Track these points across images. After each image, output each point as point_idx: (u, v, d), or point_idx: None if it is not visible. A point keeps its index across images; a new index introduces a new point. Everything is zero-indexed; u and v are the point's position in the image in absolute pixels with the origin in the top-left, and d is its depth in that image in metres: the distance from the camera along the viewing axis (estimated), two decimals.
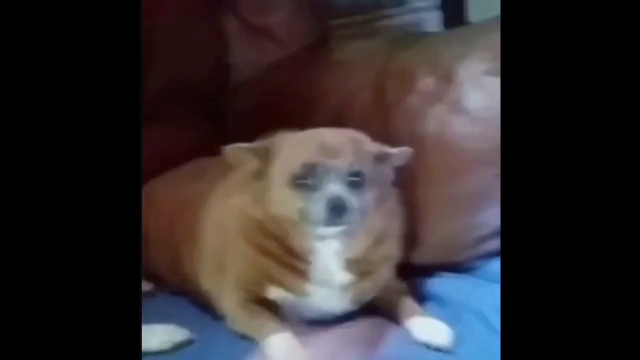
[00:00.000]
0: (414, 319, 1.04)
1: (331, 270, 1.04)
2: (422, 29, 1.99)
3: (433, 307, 1.10)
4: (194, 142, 1.53)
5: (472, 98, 1.16)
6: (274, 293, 1.06)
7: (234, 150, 1.04)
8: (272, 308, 1.06)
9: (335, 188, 0.96)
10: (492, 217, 1.15)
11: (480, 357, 0.96)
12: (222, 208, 1.13)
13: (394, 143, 1.06)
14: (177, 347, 1.01)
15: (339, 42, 1.62)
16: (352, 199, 0.95)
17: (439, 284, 1.16)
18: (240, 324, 1.06)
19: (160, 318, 1.04)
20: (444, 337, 0.99)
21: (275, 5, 1.66)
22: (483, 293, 1.09)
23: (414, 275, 1.17)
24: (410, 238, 1.15)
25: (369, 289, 1.09)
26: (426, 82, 1.20)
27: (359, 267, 1.05)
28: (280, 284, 1.05)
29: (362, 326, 1.07)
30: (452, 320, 1.04)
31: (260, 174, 1.04)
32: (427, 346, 0.99)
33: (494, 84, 1.15)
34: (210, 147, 1.17)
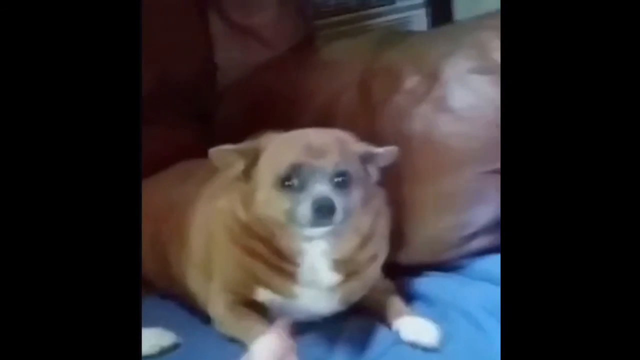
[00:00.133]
0: (402, 319, 1.04)
1: (319, 271, 1.04)
2: (408, 28, 2.00)
3: (420, 306, 1.10)
4: (182, 143, 1.53)
5: (458, 96, 1.16)
6: (262, 295, 1.06)
7: (220, 152, 1.03)
8: (260, 310, 1.06)
9: (321, 188, 0.96)
10: (478, 215, 1.16)
11: (467, 355, 0.97)
12: (208, 210, 1.13)
13: (379, 143, 1.06)
14: (165, 352, 1.01)
15: (324, 42, 1.62)
16: (338, 199, 0.95)
17: (425, 283, 1.16)
18: (228, 327, 1.06)
19: (147, 322, 1.03)
20: (431, 336, 1.00)
21: (260, 5, 1.65)
22: (469, 291, 1.10)
23: (400, 274, 1.17)
24: (397, 237, 1.15)
25: (357, 289, 1.09)
26: (412, 81, 1.21)
27: (346, 267, 1.05)
28: (267, 286, 1.05)
29: (350, 327, 1.07)
30: (439, 318, 1.04)
31: (246, 176, 1.03)
32: (415, 346, 0.99)
33: (480, 82, 1.16)
34: (197, 148, 1.16)
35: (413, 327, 1.02)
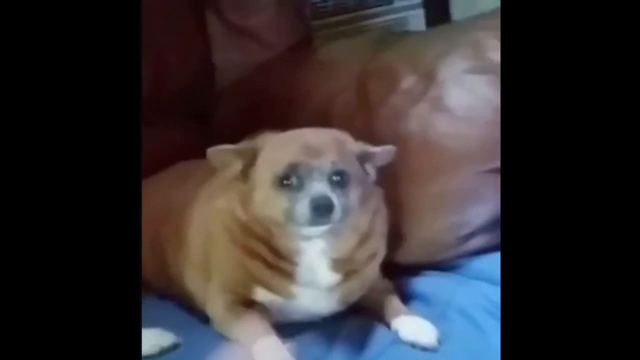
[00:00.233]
0: (401, 318, 1.05)
1: (317, 270, 1.04)
2: (406, 28, 2.00)
3: (418, 306, 1.11)
4: (180, 144, 1.53)
5: (454, 96, 1.17)
6: (260, 295, 1.06)
7: (218, 152, 1.03)
8: (259, 310, 1.06)
9: (319, 187, 0.96)
10: (475, 215, 1.16)
11: (465, 354, 0.97)
12: (207, 210, 1.13)
13: (377, 142, 1.06)
14: (165, 352, 1.01)
15: (322, 42, 1.62)
16: (336, 198, 0.95)
17: (423, 283, 1.16)
18: (226, 327, 1.06)
19: (147, 322, 1.03)
20: (430, 336, 1.00)
21: (258, 6, 1.65)
22: (467, 291, 1.10)
23: (398, 274, 1.18)
24: (394, 237, 1.15)
25: (356, 288, 1.09)
26: (408, 81, 1.21)
27: (345, 266, 1.05)
28: (266, 285, 1.05)
29: (348, 326, 1.07)
30: (436, 318, 1.04)
31: (244, 176, 1.04)
32: (413, 345, 1.00)
33: (476, 82, 1.16)
34: (196, 149, 1.16)
35: (412, 326, 1.03)
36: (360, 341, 1.03)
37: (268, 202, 1.00)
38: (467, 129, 1.15)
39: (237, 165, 1.04)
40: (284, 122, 1.10)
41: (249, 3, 1.66)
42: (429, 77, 1.19)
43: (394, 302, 1.09)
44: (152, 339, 1.01)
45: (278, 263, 1.04)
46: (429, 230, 1.19)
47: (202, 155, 1.05)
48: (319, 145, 1.00)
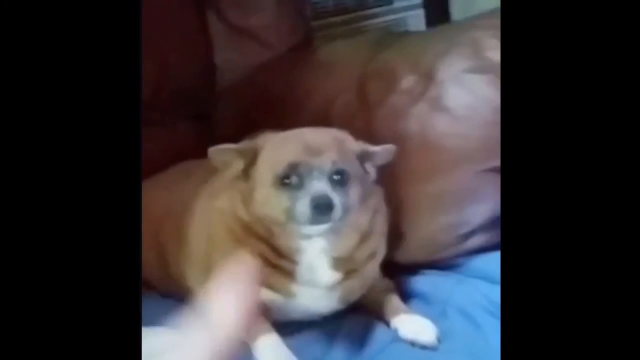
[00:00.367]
0: (400, 317, 1.05)
1: (318, 269, 1.04)
2: (406, 28, 2.01)
3: (417, 304, 1.11)
4: (181, 144, 1.53)
5: (454, 96, 1.17)
6: (261, 294, 1.06)
7: (219, 152, 1.04)
8: (260, 310, 1.06)
9: (319, 186, 0.96)
10: (474, 214, 1.16)
11: (464, 352, 0.97)
12: (208, 210, 1.13)
13: (376, 142, 1.07)
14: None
15: (321, 43, 1.62)
16: (336, 197, 0.96)
17: (422, 282, 1.17)
18: None
19: (148, 320, 1.03)
20: (430, 334, 1.00)
21: (259, 7, 1.66)
22: (466, 289, 1.10)
23: (397, 273, 1.18)
24: (394, 236, 1.15)
25: (356, 287, 1.09)
26: (408, 81, 1.21)
27: (345, 265, 1.06)
28: (267, 284, 1.06)
29: (348, 324, 1.07)
30: (436, 316, 1.05)
31: (245, 175, 1.04)
32: (413, 344, 1.00)
33: (475, 82, 1.16)
34: (196, 149, 1.17)
35: (411, 325, 1.03)
36: (360, 339, 1.03)
37: (268, 201, 1.00)
38: (466, 129, 1.15)
39: (238, 165, 1.04)
40: (284, 122, 1.10)
41: (250, 3, 1.66)
42: (428, 77, 1.19)
43: (394, 300, 1.09)
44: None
45: (278, 262, 1.04)
46: (428, 229, 1.19)
47: (202, 155, 1.05)
48: (319, 145, 1.00)
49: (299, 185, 0.97)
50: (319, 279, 1.05)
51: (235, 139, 1.07)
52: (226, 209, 1.08)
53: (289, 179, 0.98)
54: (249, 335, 1.00)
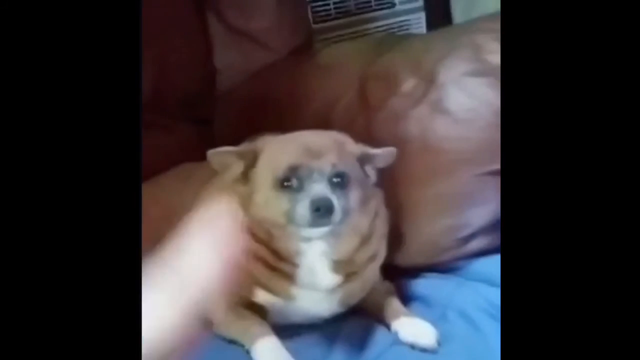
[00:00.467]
0: (400, 320, 1.05)
1: (318, 272, 1.04)
2: (407, 31, 2.01)
3: (418, 307, 1.11)
4: (181, 147, 1.53)
5: (454, 99, 1.17)
6: (261, 297, 1.06)
7: (219, 155, 1.04)
8: (260, 312, 1.06)
9: (319, 189, 0.96)
10: (474, 217, 1.16)
11: (465, 355, 0.97)
12: None
13: (377, 145, 1.07)
14: None
15: (322, 46, 1.62)
16: (336, 199, 0.96)
17: (423, 285, 1.17)
18: (226, 328, 1.06)
19: None
20: (430, 337, 1.00)
21: (260, 10, 1.66)
22: (467, 293, 1.10)
23: (398, 276, 1.18)
24: (394, 239, 1.15)
25: (356, 290, 1.09)
26: (408, 84, 1.21)
27: (345, 268, 1.06)
28: (266, 287, 1.06)
29: (348, 327, 1.07)
30: (436, 319, 1.04)
31: (245, 178, 1.04)
32: (413, 346, 1.00)
33: (476, 85, 1.16)
34: (196, 151, 1.17)
35: (411, 328, 1.03)
36: (360, 342, 1.03)
37: (268, 203, 1.00)
38: (467, 132, 1.15)
39: (238, 168, 1.04)
40: (284, 125, 1.10)
41: (250, 6, 1.66)
42: (429, 80, 1.19)
43: (394, 303, 1.09)
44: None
45: (278, 265, 1.04)
46: (428, 232, 1.19)
47: (202, 157, 1.05)
48: (319, 147, 1.00)
49: (299, 188, 0.97)
50: (319, 282, 1.05)
51: (235, 142, 1.07)
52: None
53: (289, 181, 0.98)
54: (249, 338, 1.00)
